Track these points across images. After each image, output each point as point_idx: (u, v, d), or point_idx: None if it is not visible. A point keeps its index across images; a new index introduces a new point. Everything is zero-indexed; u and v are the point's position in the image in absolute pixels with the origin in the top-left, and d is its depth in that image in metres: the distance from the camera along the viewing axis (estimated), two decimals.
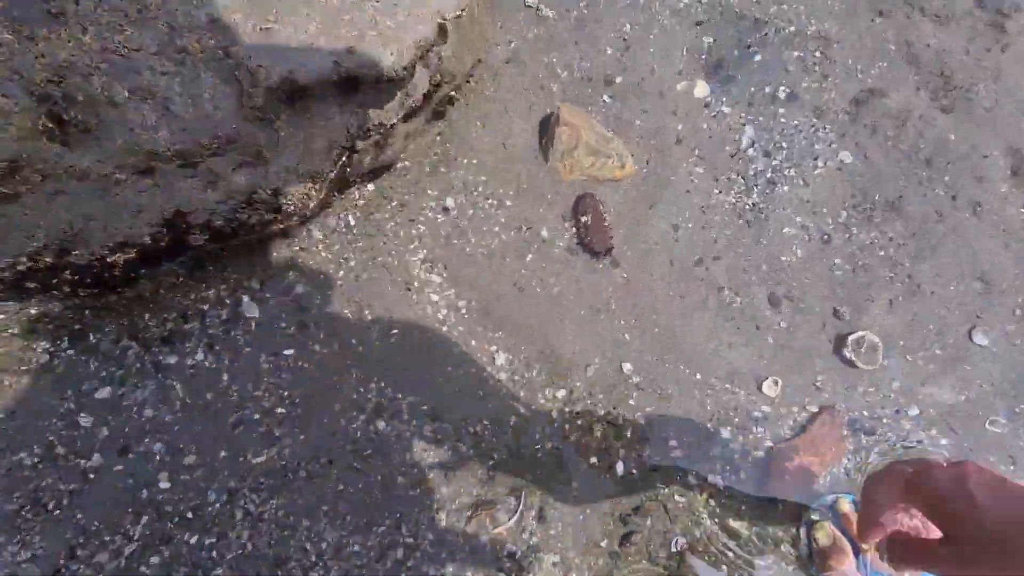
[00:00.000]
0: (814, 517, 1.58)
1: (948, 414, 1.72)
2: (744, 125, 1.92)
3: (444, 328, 1.67)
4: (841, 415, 1.69)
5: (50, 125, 1.09)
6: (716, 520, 1.60)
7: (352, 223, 1.70)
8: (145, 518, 1.34)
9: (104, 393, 1.45)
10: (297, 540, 1.42)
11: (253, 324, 1.56)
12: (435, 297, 1.71)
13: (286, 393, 1.51)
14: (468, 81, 1.84)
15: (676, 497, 1.60)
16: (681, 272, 1.80)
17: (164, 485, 1.38)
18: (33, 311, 1.39)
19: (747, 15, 1.99)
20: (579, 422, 1.64)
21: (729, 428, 1.68)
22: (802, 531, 1.59)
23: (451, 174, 1.80)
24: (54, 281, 1.29)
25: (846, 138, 1.90)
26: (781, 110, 1.93)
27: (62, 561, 1.31)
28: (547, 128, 1.85)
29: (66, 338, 1.44)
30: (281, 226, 1.48)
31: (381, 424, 1.56)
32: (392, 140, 1.65)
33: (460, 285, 1.72)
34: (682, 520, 1.58)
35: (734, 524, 1.59)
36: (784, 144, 1.90)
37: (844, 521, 1.55)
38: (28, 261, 1.20)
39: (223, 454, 1.45)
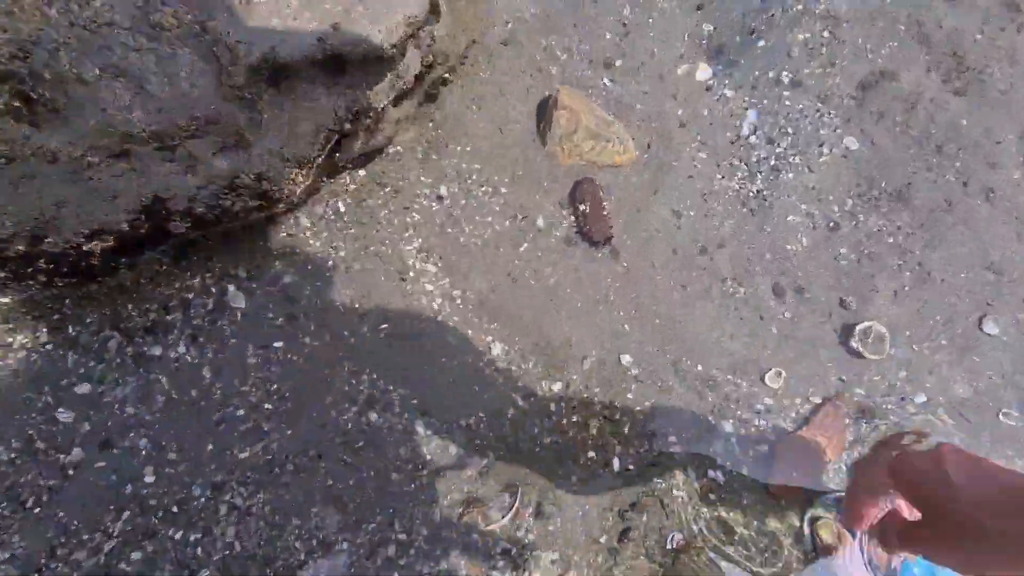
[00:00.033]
0: (818, 513, 1.54)
1: (960, 404, 1.68)
2: (747, 110, 1.85)
3: (439, 319, 1.62)
4: (845, 405, 1.64)
5: (16, 104, 1.02)
6: (715, 516, 1.56)
7: (342, 210, 1.64)
8: (127, 513, 1.29)
9: (84, 389, 1.40)
10: (284, 539, 1.38)
11: (239, 315, 1.51)
12: (430, 287, 1.65)
13: (275, 387, 1.46)
14: (462, 63, 1.77)
15: (673, 492, 1.56)
16: (684, 261, 1.75)
17: (149, 479, 1.34)
18: (7, 300, 1.33)
19: None
20: (575, 417, 1.60)
21: (731, 421, 1.64)
22: (806, 527, 1.55)
23: (443, 161, 1.74)
24: (28, 270, 1.23)
25: (852, 123, 1.84)
26: (786, 93, 1.86)
27: (43, 560, 1.27)
28: (545, 112, 1.78)
29: (44, 331, 1.39)
30: (267, 213, 1.42)
31: (373, 416, 1.51)
32: (383, 124, 1.59)
33: (455, 275, 1.67)
34: (678, 516, 1.54)
35: (733, 520, 1.55)
36: (789, 130, 1.83)
37: None
38: None
39: (208, 448, 1.41)
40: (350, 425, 1.49)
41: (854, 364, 1.70)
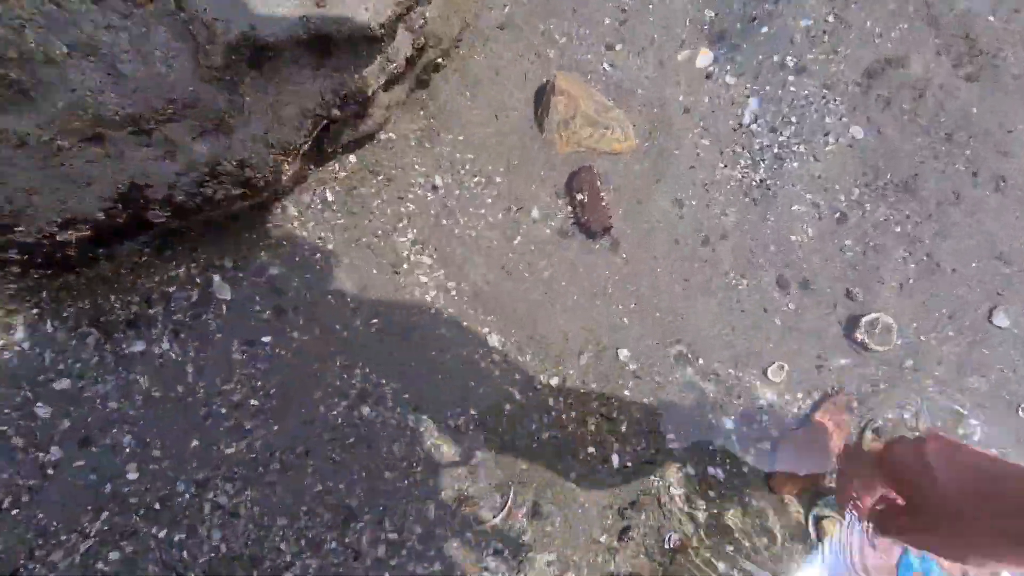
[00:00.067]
0: (824, 512, 1.50)
1: (973, 396, 1.63)
2: (748, 98, 1.79)
3: (433, 312, 1.57)
4: (848, 398, 1.60)
5: None
6: (713, 515, 1.51)
7: (331, 199, 1.58)
8: (105, 513, 1.25)
9: (64, 384, 1.35)
10: (271, 540, 1.34)
11: (224, 308, 1.46)
12: (424, 279, 1.60)
13: (260, 383, 1.41)
14: (456, 46, 1.71)
15: (671, 491, 1.51)
16: (686, 252, 1.69)
17: (131, 476, 1.29)
18: None
19: None
20: (574, 413, 1.55)
21: (732, 418, 1.59)
22: (810, 526, 1.50)
23: (437, 149, 1.68)
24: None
25: (858, 112, 1.78)
26: (790, 78, 1.80)
27: (21, 561, 1.23)
28: (543, 98, 1.72)
29: (20, 326, 1.33)
30: (251, 202, 1.37)
31: (366, 410, 1.47)
32: (373, 110, 1.52)
33: (450, 267, 1.61)
34: (676, 515, 1.49)
35: (733, 518, 1.51)
36: (792, 118, 1.78)
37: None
38: None
39: (193, 445, 1.36)
40: (340, 420, 1.45)
41: (859, 356, 1.65)
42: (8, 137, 1.01)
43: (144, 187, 1.18)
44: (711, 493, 1.53)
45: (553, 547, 1.42)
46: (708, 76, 1.81)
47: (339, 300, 1.53)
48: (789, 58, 1.80)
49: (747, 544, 1.49)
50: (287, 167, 1.35)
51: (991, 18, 1.78)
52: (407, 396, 1.50)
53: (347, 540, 1.36)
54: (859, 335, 1.62)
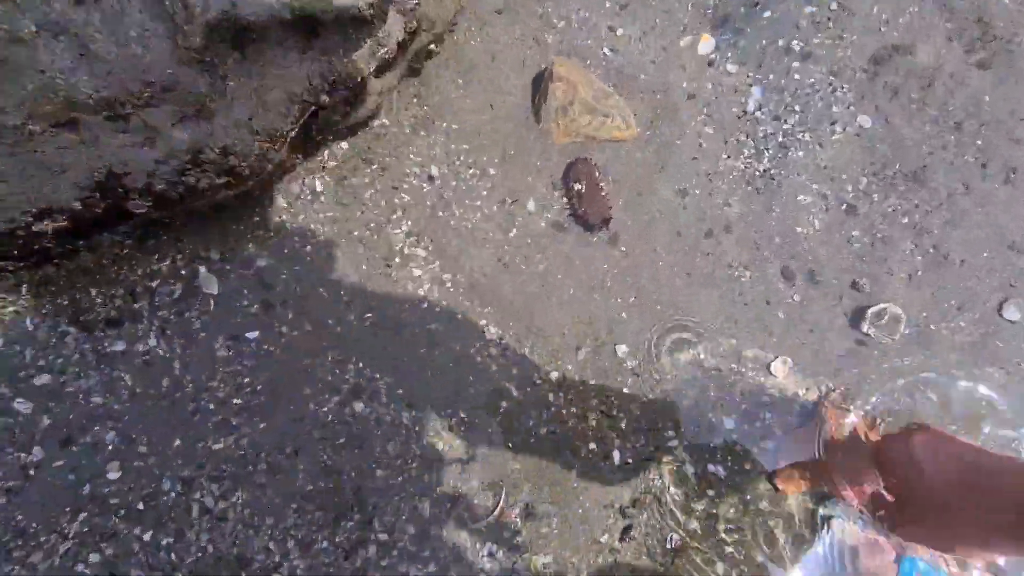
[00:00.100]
0: (830, 512, 1.46)
1: (987, 386, 1.59)
2: (751, 86, 1.74)
3: (428, 305, 1.53)
4: (845, 390, 1.56)
5: None
6: (714, 514, 1.47)
7: (321, 189, 1.53)
8: (83, 514, 1.21)
9: (44, 379, 1.31)
10: (261, 539, 1.30)
11: (212, 302, 1.41)
12: (418, 272, 1.55)
13: (247, 380, 1.37)
14: (450, 31, 1.65)
15: (671, 489, 1.48)
16: (688, 244, 1.64)
17: (113, 476, 1.25)
18: None
19: None
20: (574, 408, 1.51)
21: (734, 416, 1.55)
22: (818, 525, 1.47)
23: (432, 138, 1.63)
24: None
25: (865, 100, 1.72)
26: (795, 64, 1.74)
27: None
28: (540, 85, 1.67)
29: None
30: (236, 191, 1.32)
31: (359, 406, 1.43)
32: (364, 96, 1.47)
33: (445, 260, 1.57)
34: (677, 514, 1.46)
35: (734, 518, 1.47)
36: (797, 106, 1.72)
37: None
38: None
39: (177, 442, 1.32)
40: (331, 418, 1.41)
41: (866, 347, 1.61)
42: None
43: (122, 175, 1.13)
44: (711, 492, 1.49)
45: (549, 549, 1.39)
46: (710, 63, 1.75)
47: (331, 294, 1.49)
48: (795, 43, 1.74)
49: (749, 545, 1.46)
50: (274, 155, 1.30)
51: (1007, 0, 1.72)
52: (401, 392, 1.45)
53: (337, 540, 1.33)
54: (866, 327, 1.58)
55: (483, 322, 1.53)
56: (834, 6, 1.76)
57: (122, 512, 1.23)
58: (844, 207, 1.68)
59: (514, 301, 1.56)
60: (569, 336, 1.55)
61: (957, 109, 1.73)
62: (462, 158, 1.63)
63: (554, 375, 1.53)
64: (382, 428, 1.43)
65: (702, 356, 1.58)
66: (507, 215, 1.61)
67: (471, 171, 1.63)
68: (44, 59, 0.96)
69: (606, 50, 1.72)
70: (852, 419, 1.50)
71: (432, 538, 1.36)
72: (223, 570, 1.26)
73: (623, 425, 1.51)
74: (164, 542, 1.26)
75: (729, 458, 1.53)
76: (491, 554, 1.34)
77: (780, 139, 1.70)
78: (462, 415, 1.46)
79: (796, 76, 1.73)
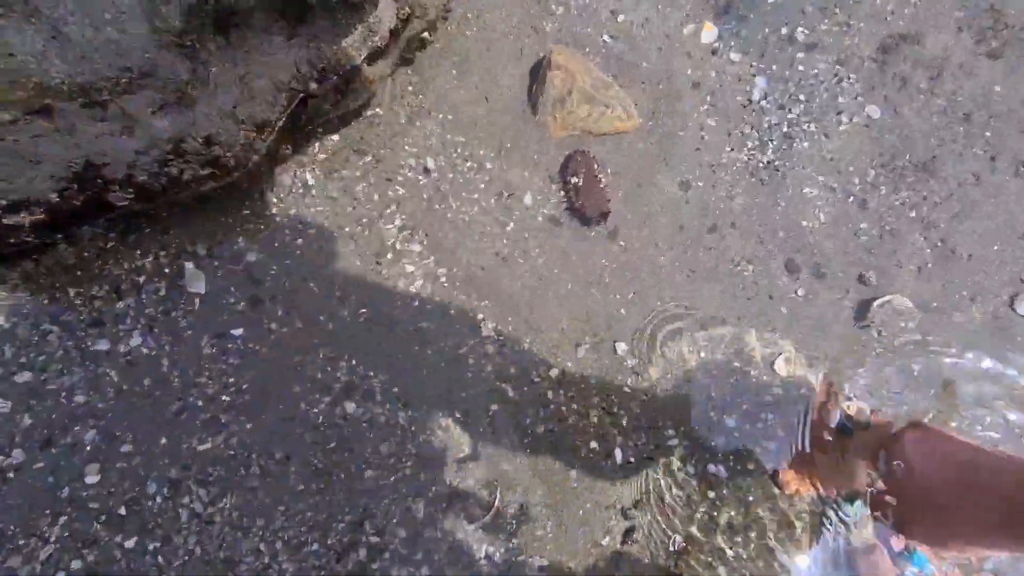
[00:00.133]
0: (836, 515, 1.42)
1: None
2: (755, 76, 1.69)
3: (422, 301, 1.48)
4: (834, 381, 1.53)
5: None
6: (715, 515, 1.44)
7: (312, 182, 1.48)
8: (64, 518, 1.17)
9: (25, 377, 1.27)
10: (250, 541, 1.26)
11: (197, 301, 1.36)
12: (411, 268, 1.51)
13: (232, 379, 1.33)
14: (444, 18, 1.60)
15: (673, 491, 1.44)
16: (691, 239, 1.60)
17: (91, 480, 1.21)
18: None
19: None
20: (575, 405, 1.47)
21: (735, 414, 1.51)
22: (822, 525, 1.43)
23: (427, 128, 1.58)
24: None
25: (875, 90, 1.67)
26: (800, 55, 1.69)
27: None
28: (538, 75, 1.62)
29: None
30: (222, 183, 1.27)
31: (351, 407, 1.38)
32: (355, 85, 1.42)
33: (441, 254, 1.52)
34: (678, 515, 1.42)
35: (736, 519, 1.43)
36: (802, 96, 1.67)
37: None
38: None
39: (163, 441, 1.28)
40: (321, 418, 1.36)
41: (869, 340, 1.57)
42: None
43: (101, 166, 1.09)
44: (711, 494, 1.45)
45: (545, 552, 1.35)
46: (714, 52, 1.70)
47: (323, 289, 1.44)
48: (800, 30, 1.69)
49: (751, 547, 1.42)
50: (260, 145, 1.25)
51: None
52: (396, 390, 1.41)
53: (329, 542, 1.29)
54: (871, 320, 1.55)
55: (480, 317, 1.49)
56: None
57: (103, 518, 1.19)
58: (851, 199, 1.63)
59: (512, 295, 1.51)
60: (567, 332, 1.51)
61: (966, 100, 1.68)
62: (459, 150, 1.59)
63: (554, 372, 1.49)
64: (375, 429, 1.38)
65: (702, 355, 1.54)
66: (504, 208, 1.57)
67: (468, 164, 1.58)
68: (14, 42, 0.92)
69: (606, 37, 1.67)
70: (840, 412, 1.47)
71: (426, 540, 1.32)
72: (210, 572, 1.22)
73: (624, 422, 1.47)
74: (151, 547, 1.22)
75: (730, 458, 1.49)
76: (488, 556, 1.30)
77: (785, 129, 1.65)
78: (458, 414, 1.42)
79: (801, 66, 1.68)
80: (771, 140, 1.65)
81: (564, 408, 1.46)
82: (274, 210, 1.45)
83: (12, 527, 1.16)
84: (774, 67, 1.69)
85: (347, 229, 1.49)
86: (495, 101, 1.62)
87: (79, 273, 1.31)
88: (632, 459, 1.46)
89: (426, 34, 1.56)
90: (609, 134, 1.61)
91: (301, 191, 1.47)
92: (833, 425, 1.45)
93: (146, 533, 1.22)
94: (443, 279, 1.51)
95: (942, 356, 1.56)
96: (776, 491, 1.46)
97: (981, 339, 1.58)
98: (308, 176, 1.48)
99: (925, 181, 1.63)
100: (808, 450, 1.43)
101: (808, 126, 1.66)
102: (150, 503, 1.24)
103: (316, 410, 1.36)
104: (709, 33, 1.71)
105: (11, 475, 1.20)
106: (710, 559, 1.39)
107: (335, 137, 1.52)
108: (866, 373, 1.55)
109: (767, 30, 1.70)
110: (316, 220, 1.47)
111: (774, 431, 1.51)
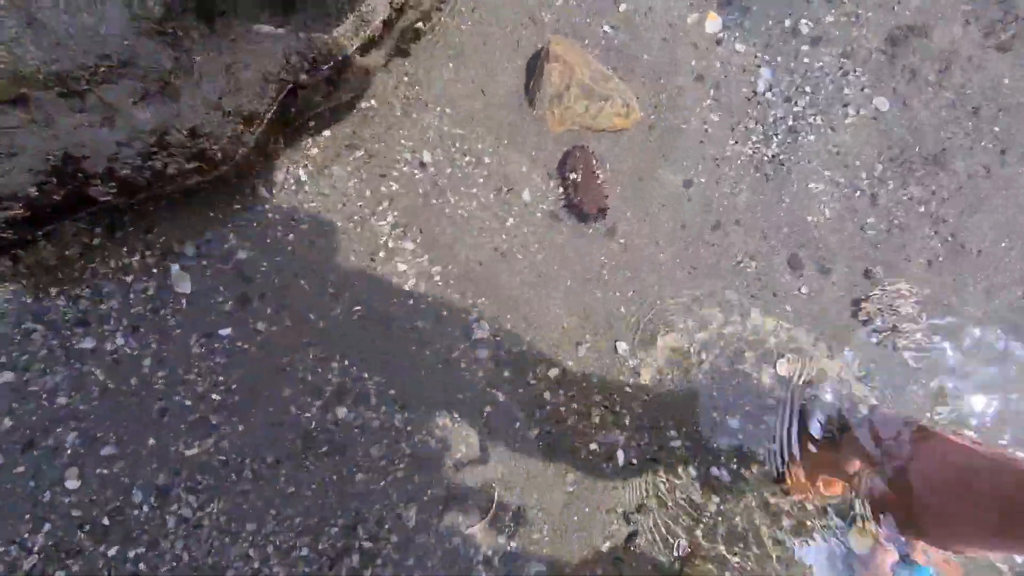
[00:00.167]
0: (845, 521, 1.38)
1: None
2: (759, 67, 1.64)
3: (417, 300, 1.44)
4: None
5: None
6: (719, 519, 1.40)
7: (304, 177, 1.44)
8: (48, 525, 1.13)
9: (7, 377, 1.23)
10: (240, 547, 1.22)
11: (184, 301, 1.32)
12: (403, 267, 1.47)
13: (220, 378, 1.29)
14: (439, 8, 1.55)
15: (676, 494, 1.40)
16: (693, 235, 1.56)
17: (72, 485, 1.17)
18: None
19: None
20: (575, 405, 1.43)
21: (738, 417, 1.47)
22: (824, 529, 1.39)
23: (423, 121, 1.54)
24: None
25: (883, 83, 1.63)
26: (804, 47, 1.64)
27: None
28: (536, 68, 1.57)
29: None
30: (208, 177, 1.23)
31: (342, 411, 1.34)
32: (348, 76, 1.38)
33: (436, 252, 1.48)
34: (681, 519, 1.38)
35: (739, 523, 1.40)
36: (808, 88, 1.63)
37: None
38: None
39: (151, 442, 1.24)
40: (313, 424, 1.32)
41: (871, 335, 1.53)
42: None
43: (81, 159, 1.05)
44: (715, 497, 1.41)
45: (542, 556, 1.31)
46: (719, 42, 1.66)
47: (315, 287, 1.40)
48: (805, 21, 1.65)
49: (753, 550, 1.38)
50: (248, 138, 1.21)
51: None
52: (393, 392, 1.37)
53: (320, 547, 1.25)
54: (871, 312, 1.51)
55: (475, 315, 1.45)
56: None
57: (87, 527, 1.15)
58: (858, 193, 1.59)
59: (511, 292, 1.47)
60: (567, 331, 1.47)
61: (975, 93, 1.64)
62: (457, 144, 1.54)
63: (553, 372, 1.45)
64: (368, 430, 1.35)
65: (705, 356, 1.50)
66: (503, 204, 1.53)
67: (467, 159, 1.54)
68: None
69: (607, 27, 1.63)
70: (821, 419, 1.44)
71: (421, 545, 1.28)
72: None
73: (627, 421, 1.43)
74: (135, 552, 1.18)
75: (734, 461, 1.45)
76: (486, 561, 1.26)
77: (790, 123, 1.61)
78: (456, 415, 1.38)
79: (805, 60, 1.64)
80: (776, 134, 1.61)
81: (563, 408, 1.42)
82: (266, 206, 1.41)
83: None
84: (779, 58, 1.65)
85: (340, 224, 1.45)
86: (491, 96, 1.58)
87: (63, 272, 1.27)
88: (635, 460, 1.42)
89: (421, 24, 1.51)
90: (608, 130, 1.57)
91: (293, 186, 1.43)
92: (816, 434, 1.42)
93: (130, 541, 1.18)
94: (437, 278, 1.47)
95: (945, 351, 1.53)
96: (778, 494, 1.42)
97: (990, 333, 1.54)
98: (301, 171, 1.43)
99: (935, 175, 1.59)
100: (802, 454, 1.40)
101: (814, 119, 1.62)
102: (136, 512, 1.20)
103: (308, 414, 1.32)
104: (713, 23, 1.67)
105: None
106: (712, 565, 1.35)
107: (327, 132, 1.48)
108: (865, 369, 1.51)
109: (771, 22, 1.66)
110: (310, 216, 1.43)
111: (776, 433, 1.47)
